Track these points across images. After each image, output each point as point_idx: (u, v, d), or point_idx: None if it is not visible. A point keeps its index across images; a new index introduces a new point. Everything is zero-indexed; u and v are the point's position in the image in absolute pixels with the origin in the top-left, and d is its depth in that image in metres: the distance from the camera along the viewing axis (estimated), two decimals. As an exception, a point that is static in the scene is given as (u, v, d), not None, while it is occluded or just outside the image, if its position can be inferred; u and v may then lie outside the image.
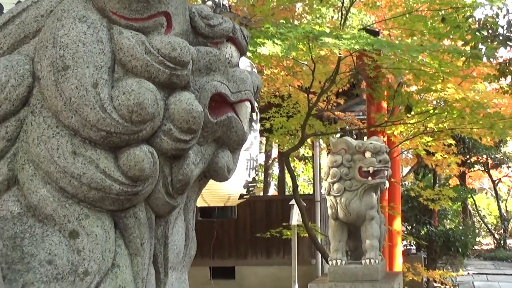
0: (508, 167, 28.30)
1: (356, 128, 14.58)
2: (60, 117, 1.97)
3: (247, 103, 2.32)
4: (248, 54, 6.80)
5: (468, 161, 22.29)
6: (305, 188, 27.04)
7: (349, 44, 7.81)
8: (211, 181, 2.45)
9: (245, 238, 14.66)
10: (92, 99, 1.94)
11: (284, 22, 8.66)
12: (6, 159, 2.03)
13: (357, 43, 7.89)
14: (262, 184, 21.26)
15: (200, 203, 5.49)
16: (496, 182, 28.46)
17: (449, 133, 11.44)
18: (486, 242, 28.42)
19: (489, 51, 8.90)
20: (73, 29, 1.99)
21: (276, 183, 22.87)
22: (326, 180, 7.44)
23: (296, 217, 11.02)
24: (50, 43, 2.00)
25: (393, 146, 11.18)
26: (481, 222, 29.20)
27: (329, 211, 7.49)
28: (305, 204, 10.77)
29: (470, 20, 9.35)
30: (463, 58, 8.85)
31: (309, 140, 12.97)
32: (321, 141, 14.28)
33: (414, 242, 16.69)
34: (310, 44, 8.29)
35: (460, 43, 9.63)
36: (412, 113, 10.12)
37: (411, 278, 12.11)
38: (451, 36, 9.39)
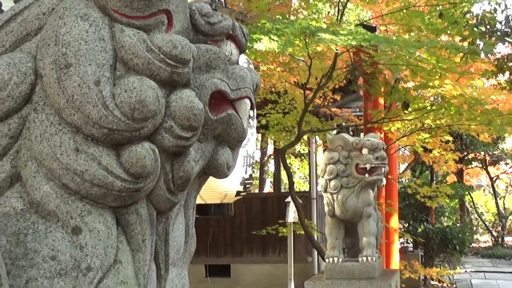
0: (506, 163, 28.36)
1: (352, 124, 14.60)
2: (63, 115, 2.02)
3: (247, 101, 2.37)
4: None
5: (466, 158, 22.33)
6: (300, 185, 27.08)
7: (346, 40, 7.83)
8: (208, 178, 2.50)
9: (241, 235, 14.68)
10: (95, 97, 1.98)
11: (281, 17, 8.68)
12: (9, 156, 2.08)
13: (354, 39, 7.92)
14: (258, 181, 21.28)
15: (196, 200, 5.53)
16: (494, 179, 28.48)
17: (446, 129, 11.47)
18: (484, 240, 28.43)
19: (487, 47, 8.95)
20: (75, 27, 2.04)
21: (272, 180, 22.91)
22: (322, 177, 7.47)
23: (292, 215, 11.06)
24: (52, 41, 2.05)
25: (390, 143, 11.21)
26: (479, 219, 29.21)
27: (326, 208, 7.53)
28: (301, 201, 10.79)
29: (467, 15, 9.40)
30: (461, 54, 8.89)
31: (305, 137, 13.00)
32: (317, 137, 14.32)
33: (411, 240, 16.73)
34: (307, 40, 8.32)
35: (457, 38, 9.68)
36: (409, 109, 10.15)
37: (408, 275, 12.14)
38: (448, 32, 9.42)
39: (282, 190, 19.27)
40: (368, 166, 7.16)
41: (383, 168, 7.30)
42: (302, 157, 25.40)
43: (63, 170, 2.01)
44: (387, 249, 11.51)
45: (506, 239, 27.10)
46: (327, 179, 7.36)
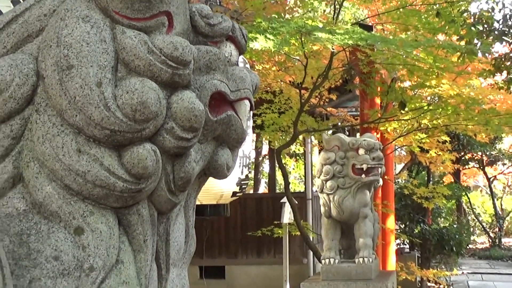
0: (504, 164, 28.45)
1: (348, 124, 14.63)
2: (65, 116, 2.06)
3: (246, 102, 2.41)
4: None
5: (463, 158, 22.39)
6: (296, 185, 27.13)
7: (343, 39, 7.86)
8: (204, 179, 2.54)
9: (236, 236, 14.71)
10: (96, 98, 2.03)
11: (276, 16, 8.71)
12: (11, 157, 2.12)
13: (351, 38, 7.94)
14: (252, 182, 21.32)
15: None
16: (491, 180, 28.58)
17: (443, 129, 11.51)
18: (481, 241, 28.54)
19: (484, 47, 9.00)
20: (76, 28, 2.08)
21: (266, 180, 22.93)
22: (319, 177, 7.48)
23: (287, 215, 11.07)
24: (54, 42, 2.09)
25: (386, 143, 11.25)
26: (476, 220, 29.31)
27: (322, 209, 7.54)
28: (296, 202, 10.82)
29: (465, 14, 9.46)
30: (458, 54, 8.94)
31: (300, 137, 13.03)
32: (312, 137, 14.35)
33: (408, 241, 16.79)
34: (303, 39, 8.35)
35: (455, 38, 9.73)
36: (406, 109, 10.18)
37: (404, 277, 12.19)
38: (445, 31, 9.47)
39: (277, 191, 19.30)
40: (364, 166, 7.18)
41: (379, 169, 7.31)
42: (297, 157, 25.45)
43: (66, 171, 2.05)
44: (384, 250, 11.54)
45: (504, 240, 27.21)
46: (323, 179, 7.38)
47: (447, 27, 9.10)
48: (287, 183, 10.66)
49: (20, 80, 2.10)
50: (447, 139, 12.85)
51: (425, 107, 10.49)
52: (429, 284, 16.16)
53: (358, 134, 14.36)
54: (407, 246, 18.19)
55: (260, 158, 22.06)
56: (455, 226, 19.23)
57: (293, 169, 27.93)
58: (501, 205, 30.55)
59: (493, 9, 9.47)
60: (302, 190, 18.65)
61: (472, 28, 8.94)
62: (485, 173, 27.26)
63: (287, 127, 11.61)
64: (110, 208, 2.12)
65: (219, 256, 14.52)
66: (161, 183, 2.19)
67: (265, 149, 21.04)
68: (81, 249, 2.05)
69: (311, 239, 11.65)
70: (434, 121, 10.67)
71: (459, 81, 11.21)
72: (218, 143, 2.40)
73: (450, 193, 16.08)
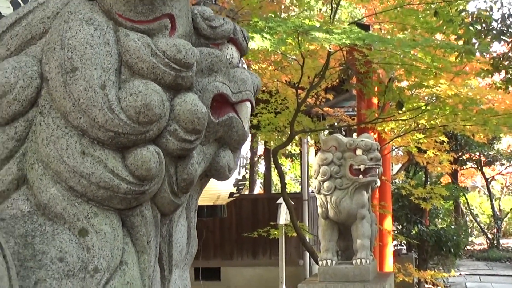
0: (502, 164, 28.51)
1: (345, 124, 14.67)
2: (69, 118, 2.10)
3: (248, 103, 2.45)
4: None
5: (461, 158, 22.46)
6: (292, 186, 27.15)
7: (340, 39, 7.90)
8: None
9: (231, 238, 14.75)
10: (100, 100, 2.07)
11: (273, 16, 8.75)
12: (15, 158, 2.16)
13: (348, 38, 7.98)
14: (248, 182, 21.33)
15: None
16: (489, 180, 28.64)
17: (441, 130, 11.54)
18: (479, 242, 28.56)
19: (482, 46, 9.04)
20: (80, 31, 2.12)
21: (262, 181, 22.96)
22: (316, 178, 7.50)
23: (283, 216, 11.11)
24: (58, 45, 2.13)
25: (383, 143, 11.29)
26: (474, 221, 29.36)
27: (319, 210, 7.55)
28: (292, 203, 10.84)
29: (463, 13, 9.47)
30: (456, 53, 8.97)
31: (296, 137, 13.06)
32: (309, 138, 14.39)
33: (405, 242, 16.83)
34: (300, 39, 8.39)
35: (453, 37, 9.76)
36: (404, 109, 10.23)
37: (402, 279, 12.24)
38: (443, 31, 9.51)
39: (273, 191, 19.34)
40: (362, 167, 7.19)
41: (377, 169, 7.33)
42: (293, 158, 25.49)
43: (70, 173, 2.09)
44: (381, 251, 11.59)
45: (502, 241, 27.23)
46: (320, 180, 7.39)
47: (445, 27, 9.14)
48: (283, 184, 10.68)
49: (24, 83, 2.14)
50: (445, 139, 12.91)
51: (423, 107, 10.54)
52: (426, 285, 16.20)
53: (355, 134, 14.42)
54: (404, 247, 18.24)
55: (256, 158, 22.08)
56: (452, 227, 19.30)
57: (289, 169, 27.98)
58: (499, 206, 30.62)
59: (491, 8, 9.48)
60: (298, 190, 18.66)
61: (470, 27, 8.96)
62: (483, 173, 27.30)
63: (283, 127, 11.64)
64: (114, 209, 2.16)
65: (214, 257, 14.55)
66: (164, 185, 2.23)
67: (260, 149, 21.07)
68: (86, 251, 2.09)
69: (308, 240, 11.69)
70: (432, 121, 10.71)
71: (457, 81, 11.26)
72: (219, 145, 2.43)
73: (448, 194, 16.16)
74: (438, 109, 10.35)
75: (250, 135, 14.50)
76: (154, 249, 2.26)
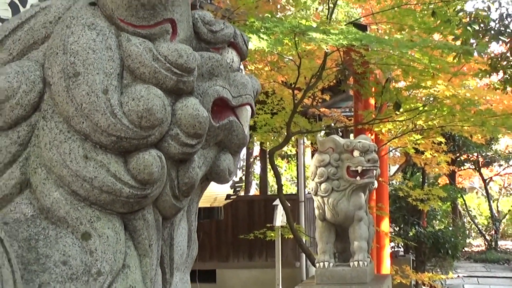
0: (500, 165, 28.57)
1: (342, 125, 14.71)
2: (72, 122, 2.14)
3: (248, 107, 2.49)
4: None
5: (458, 159, 22.51)
6: (287, 187, 27.18)
7: (337, 40, 7.93)
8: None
9: (227, 239, 14.76)
10: (103, 105, 2.11)
11: (269, 16, 8.77)
12: (18, 163, 2.20)
13: (345, 38, 8.02)
14: (244, 183, 21.31)
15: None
16: (487, 181, 28.68)
17: (439, 130, 11.60)
18: (477, 244, 28.59)
19: (480, 47, 9.09)
20: (82, 36, 2.16)
21: (258, 182, 22.99)
22: (313, 180, 7.52)
23: (280, 218, 11.13)
24: (60, 49, 2.17)
25: (381, 144, 11.33)
26: (472, 222, 29.39)
27: (316, 212, 7.59)
28: (289, 205, 10.86)
29: (461, 13, 9.52)
30: (454, 54, 9.02)
31: (293, 138, 13.10)
32: (305, 138, 14.42)
33: (402, 244, 16.89)
34: (297, 39, 8.42)
35: (450, 37, 9.81)
36: (401, 110, 10.27)
37: (399, 281, 12.26)
38: (441, 31, 9.55)
39: (269, 193, 19.37)
40: (359, 168, 7.22)
41: (374, 171, 7.36)
42: (289, 159, 25.52)
43: (73, 177, 2.13)
44: (378, 253, 11.64)
45: (500, 243, 27.29)
46: (317, 182, 7.42)
47: (442, 27, 9.19)
48: (280, 185, 10.71)
49: (27, 87, 2.17)
50: (443, 140, 12.95)
51: (420, 108, 10.58)
52: (424, 287, 16.25)
53: (351, 135, 14.46)
54: (402, 249, 18.28)
55: (252, 160, 22.11)
56: (450, 228, 19.36)
57: (285, 170, 28.00)
58: (497, 207, 30.63)
59: (489, 8, 9.53)
60: (294, 192, 18.70)
61: (468, 27, 9.01)
62: (481, 174, 27.35)
63: (279, 128, 11.67)
64: (116, 213, 2.20)
65: (210, 259, 14.55)
66: (166, 189, 2.27)
67: (256, 150, 21.09)
68: (89, 254, 2.13)
69: (304, 242, 11.72)
70: (430, 122, 10.76)
71: (455, 82, 11.31)
72: (220, 149, 2.47)
73: (446, 195, 16.18)
74: (436, 110, 10.40)
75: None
76: (156, 253, 2.30)
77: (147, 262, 2.26)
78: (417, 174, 20.32)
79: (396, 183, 18.38)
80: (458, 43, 9.20)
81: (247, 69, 10.61)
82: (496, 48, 21.84)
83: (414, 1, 9.94)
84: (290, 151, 22.63)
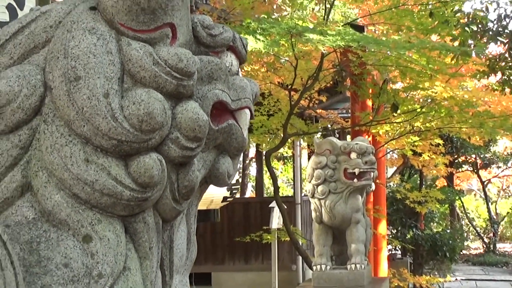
0: (498, 167, 28.59)
1: (339, 127, 14.73)
2: (73, 126, 2.18)
3: (247, 111, 2.54)
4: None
5: (456, 161, 22.53)
6: (284, 189, 27.19)
7: (334, 41, 7.96)
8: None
9: (222, 242, 14.79)
10: (104, 109, 2.15)
11: (266, 17, 8.81)
12: (19, 166, 2.24)
13: (343, 39, 8.05)
14: (240, 186, 21.31)
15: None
16: (485, 183, 28.70)
17: (436, 132, 11.63)
18: (475, 246, 28.63)
19: (478, 48, 9.13)
20: (83, 40, 2.21)
21: (254, 184, 23.00)
22: (310, 182, 7.53)
23: (276, 220, 11.17)
24: (61, 54, 2.21)
25: (378, 146, 11.36)
26: (470, 225, 29.42)
27: (313, 214, 7.59)
28: (285, 207, 10.87)
29: (458, 14, 9.55)
30: (452, 55, 9.05)
31: (289, 139, 13.12)
32: (301, 140, 14.45)
33: (400, 247, 16.92)
34: (293, 40, 8.45)
35: (448, 38, 9.85)
36: (398, 111, 10.29)
37: (396, 284, 12.30)
38: (438, 32, 9.58)
39: (265, 195, 19.40)
40: (356, 170, 7.23)
41: (372, 173, 7.38)
42: (286, 160, 25.54)
43: (74, 180, 2.17)
44: (375, 256, 11.66)
45: (498, 245, 27.32)
46: (314, 184, 7.43)
47: (440, 28, 9.22)
48: (276, 187, 10.73)
49: (28, 91, 2.22)
50: (440, 142, 12.98)
51: (418, 110, 10.60)
52: (421, 291, 16.28)
53: (348, 137, 14.50)
54: (399, 252, 18.31)
55: (247, 161, 22.13)
56: (448, 231, 19.38)
57: (281, 172, 28.02)
58: (496, 209, 30.68)
59: (487, 8, 9.57)
60: (291, 194, 18.73)
61: (466, 28, 9.05)
62: (479, 176, 27.39)
63: (276, 130, 11.69)
64: (117, 216, 2.24)
65: (206, 262, 14.55)
66: (166, 192, 2.31)
67: (252, 152, 21.11)
68: (90, 257, 2.17)
69: (301, 244, 11.75)
70: (427, 124, 10.79)
71: (453, 83, 11.36)
72: (219, 152, 2.51)
73: (443, 197, 16.23)
74: (434, 112, 10.42)
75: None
76: (156, 255, 2.34)
77: (147, 265, 2.30)
78: (415, 176, 20.36)
79: (394, 185, 18.38)
80: (456, 44, 9.23)
81: (243, 70, 10.64)
82: (494, 49, 21.82)
83: (412, 2, 9.98)
84: (287, 153, 22.65)
